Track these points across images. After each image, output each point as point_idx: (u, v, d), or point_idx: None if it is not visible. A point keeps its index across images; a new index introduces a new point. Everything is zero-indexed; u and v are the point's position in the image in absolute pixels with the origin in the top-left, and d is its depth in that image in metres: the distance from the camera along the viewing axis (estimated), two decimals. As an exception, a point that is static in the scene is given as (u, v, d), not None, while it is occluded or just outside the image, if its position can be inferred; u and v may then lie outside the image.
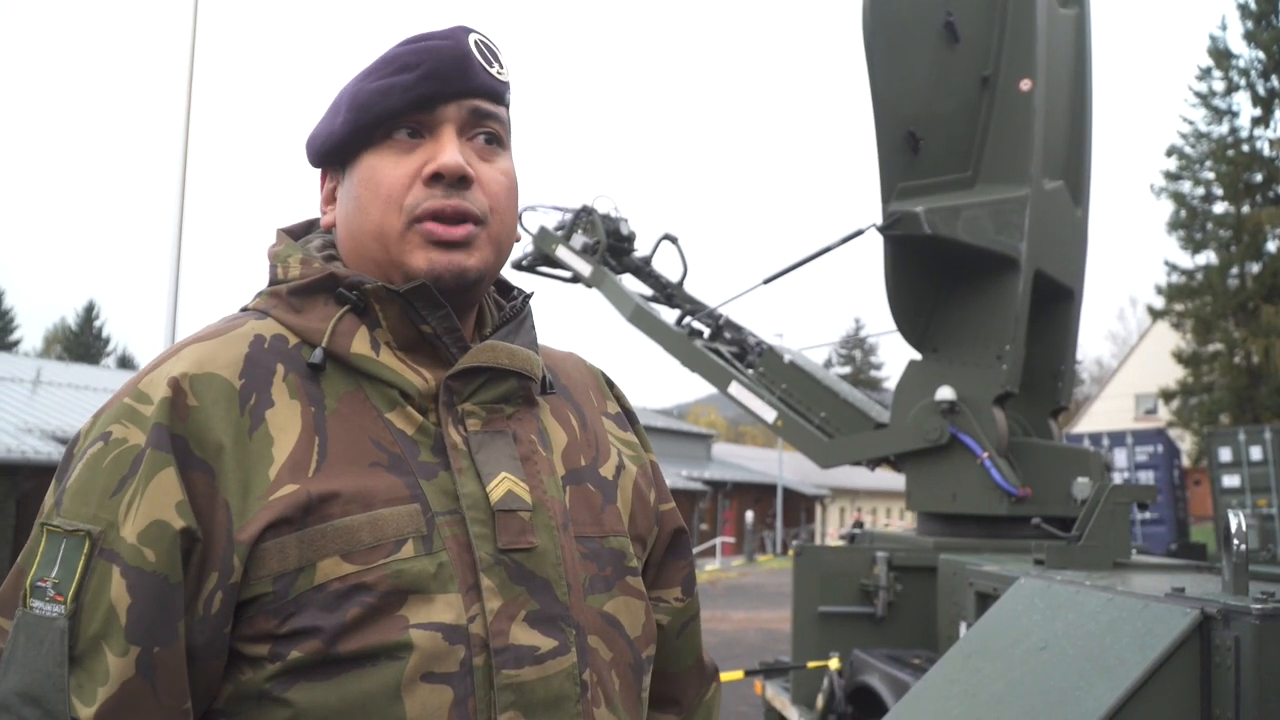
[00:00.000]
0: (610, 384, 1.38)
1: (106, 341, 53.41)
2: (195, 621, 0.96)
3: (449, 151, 1.10)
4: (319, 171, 1.22)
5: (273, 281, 1.15)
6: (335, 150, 1.15)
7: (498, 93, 1.15)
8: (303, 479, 1.00)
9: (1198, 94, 29.45)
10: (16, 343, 51.44)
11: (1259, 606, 2.20)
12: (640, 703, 1.18)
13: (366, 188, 1.11)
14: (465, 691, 0.99)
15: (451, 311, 1.10)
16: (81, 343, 52.06)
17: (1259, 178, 28.01)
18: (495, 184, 1.14)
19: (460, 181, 1.10)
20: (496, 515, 1.06)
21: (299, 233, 1.23)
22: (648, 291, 7.57)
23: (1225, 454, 17.45)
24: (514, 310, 1.21)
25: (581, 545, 1.13)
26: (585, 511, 1.16)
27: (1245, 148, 28.37)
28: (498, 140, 1.16)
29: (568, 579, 1.09)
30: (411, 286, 1.08)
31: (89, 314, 54.18)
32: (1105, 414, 37.06)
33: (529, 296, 1.23)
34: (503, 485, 1.08)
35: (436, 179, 1.09)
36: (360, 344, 1.08)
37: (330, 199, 1.19)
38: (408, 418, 1.08)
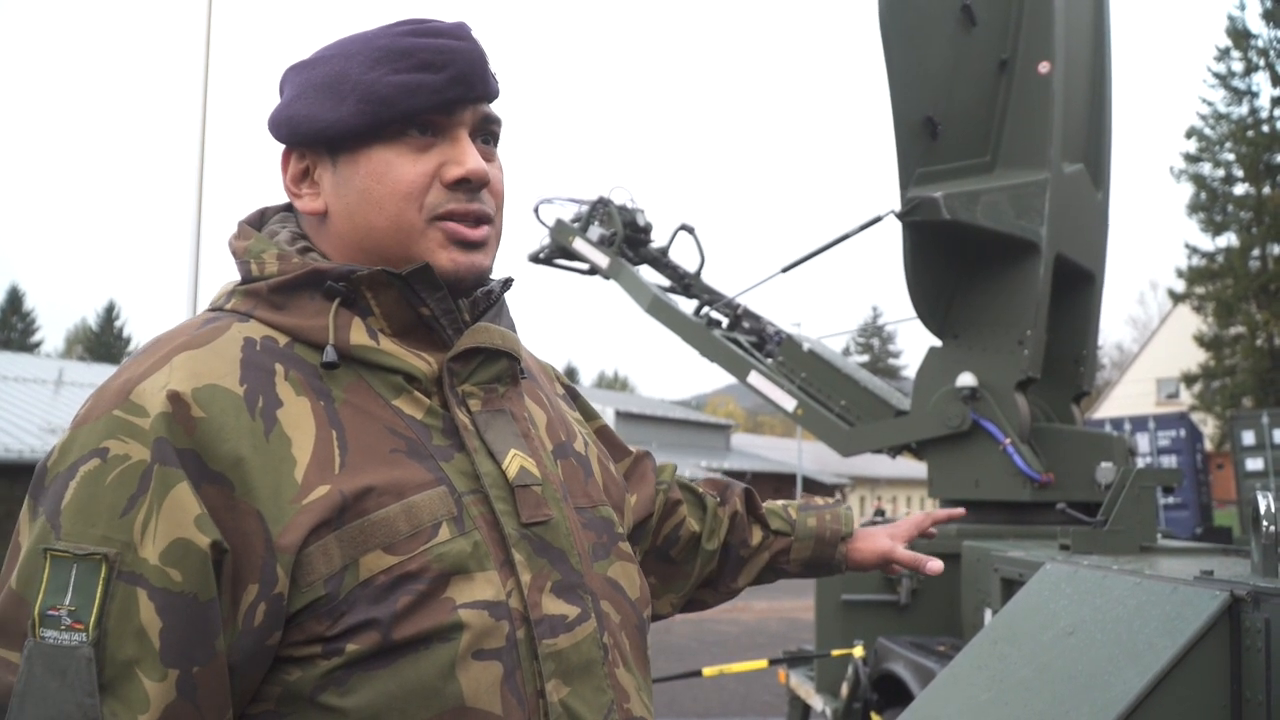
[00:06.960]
0: (551, 368, 1.44)
1: (127, 341, 53.88)
2: (235, 635, 0.95)
3: (475, 158, 1.12)
4: (281, 148, 1.17)
5: (246, 279, 1.12)
6: (337, 138, 1.11)
7: (498, 97, 1.18)
8: (331, 477, 1.00)
9: (1217, 75, 29.19)
10: (39, 344, 52.00)
11: (1290, 588, 2.18)
12: (646, 661, 1.23)
13: (381, 182, 1.10)
14: (513, 664, 1.03)
15: (449, 294, 1.12)
16: (103, 343, 52.56)
17: (1279, 158, 27.76)
18: (498, 184, 1.18)
19: (479, 186, 1.13)
20: (515, 491, 1.09)
21: (255, 222, 1.20)
22: (665, 282, 7.57)
23: (1248, 437, 17.27)
24: (493, 296, 1.22)
25: (580, 515, 1.18)
26: (575, 483, 1.21)
27: (1265, 128, 28.13)
28: (496, 142, 1.20)
29: (578, 548, 1.14)
30: (412, 269, 1.09)
31: (109, 314, 54.68)
32: (1127, 399, 36.85)
33: (508, 283, 1.24)
34: (515, 462, 1.11)
35: (461, 184, 1.11)
36: (359, 334, 1.08)
37: (301, 179, 1.16)
38: (415, 402, 1.09)
